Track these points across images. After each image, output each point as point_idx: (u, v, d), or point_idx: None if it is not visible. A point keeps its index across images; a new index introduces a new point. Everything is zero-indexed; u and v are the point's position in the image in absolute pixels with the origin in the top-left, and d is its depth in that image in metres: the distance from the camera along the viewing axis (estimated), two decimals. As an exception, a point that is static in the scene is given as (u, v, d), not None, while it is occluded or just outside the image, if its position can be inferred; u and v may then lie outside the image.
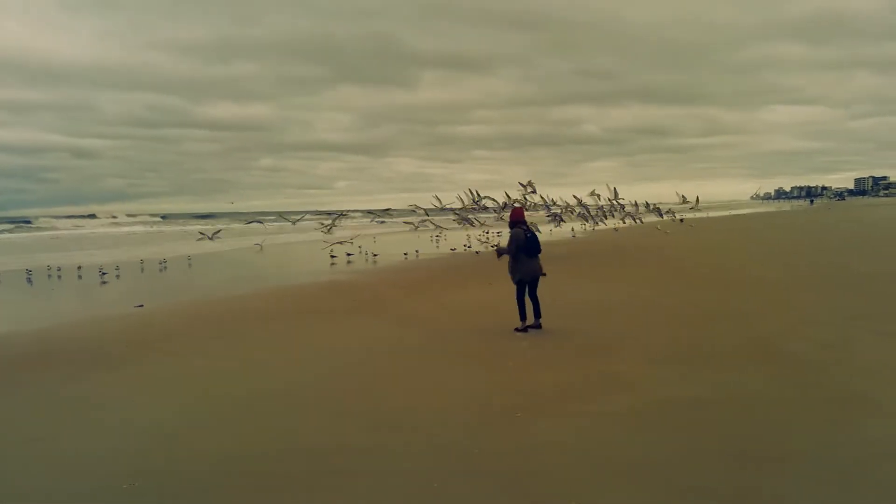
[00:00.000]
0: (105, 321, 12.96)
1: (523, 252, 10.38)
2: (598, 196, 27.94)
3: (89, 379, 8.49)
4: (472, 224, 27.44)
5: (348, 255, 26.14)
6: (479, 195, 25.40)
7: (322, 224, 26.16)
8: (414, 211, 27.44)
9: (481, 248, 28.86)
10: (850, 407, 6.38)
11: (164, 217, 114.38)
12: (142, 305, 14.68)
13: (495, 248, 11.36)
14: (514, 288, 10.52)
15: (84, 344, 10.70)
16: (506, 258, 10.62)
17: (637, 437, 5.76)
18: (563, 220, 29.43)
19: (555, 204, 27.88)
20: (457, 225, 28.55)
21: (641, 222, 31.40)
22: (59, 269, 22.95)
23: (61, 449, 6.07)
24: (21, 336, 11.68)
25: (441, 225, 29.59)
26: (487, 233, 33.88)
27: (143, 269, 23.85)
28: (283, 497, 4.88)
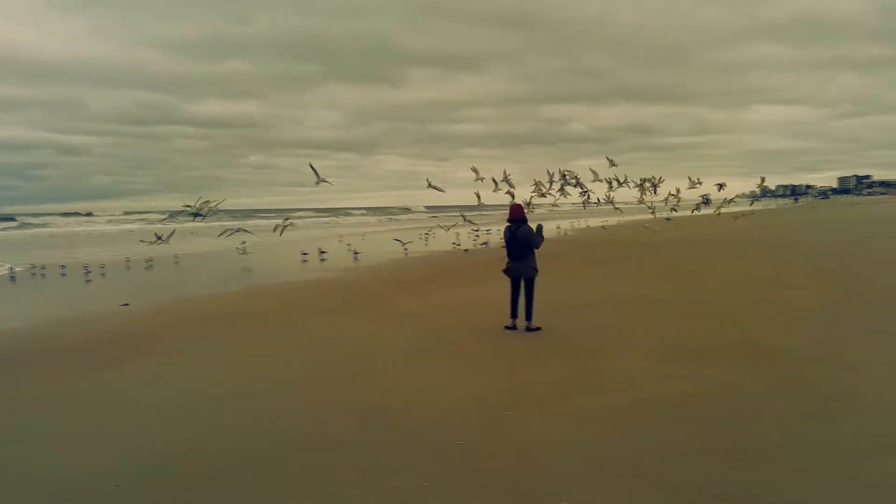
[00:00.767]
0: (89, 320, 12.81)
1: (507, 251, 10.42)
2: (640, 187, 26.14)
3: (72, 379, 8.38)
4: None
5: (321, 252, 26.05)
6: (568, 177, 20.09)
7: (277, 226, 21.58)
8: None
9: (471, 247, 28.84)
10: (836, 403, 6.44)
11: (171, 215, 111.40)
12: (127, 304, 14.54)
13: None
14: (507, 284, 10.53)
15: (67, 343, 10.55)
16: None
17: (627, 435, 5.78)
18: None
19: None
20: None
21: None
22: (43, 268, 22.71)
23: (45, 450, 5.99)
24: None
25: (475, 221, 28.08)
26: (478, 230, 33.86)
27: (128, 268, 23.63)
28: (275, 496, 4.85)
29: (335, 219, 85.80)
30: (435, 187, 19.08)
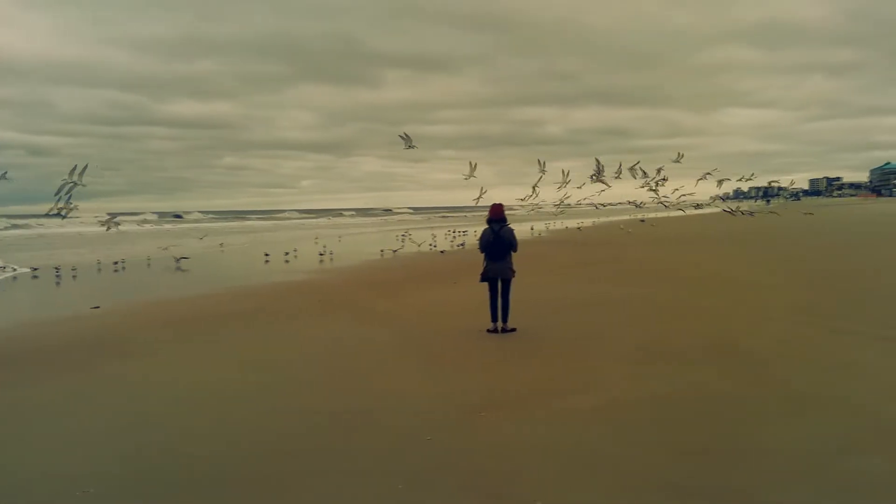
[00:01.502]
0: (58, 323, 12.59)
1: (486, 253, 10.31)
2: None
3: (40, 384, 8.21)
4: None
5: (286, 253, 26.05)
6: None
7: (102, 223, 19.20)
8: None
9: (447, 248, 28.86)
10: (804, 403, 6.53)
11: (178, 216, 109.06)
12: (98, 307, 14.31)
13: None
14: (485, 288, 10.41)
15: (34, 347, 10.35)
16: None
17: (602, 435, 5.80)
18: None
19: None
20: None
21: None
22: (14, 269, 22.26)
23: (8, 456, 5.86)
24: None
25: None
26: (454, 231, 33.92)
27: (99, 270, 23.26)
28: (247, 498, 4.79)
29: (315, 220, 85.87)
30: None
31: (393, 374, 8.11)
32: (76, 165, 11.84)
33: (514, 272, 10.32)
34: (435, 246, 29.76)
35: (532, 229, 38.39)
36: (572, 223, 46.33)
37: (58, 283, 19.65)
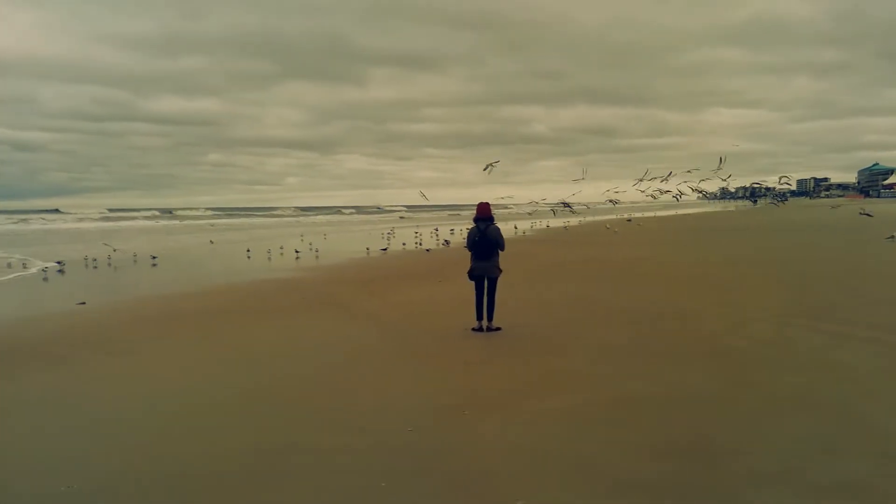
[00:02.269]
0: (44, 319, 12.53)
1: (472, 251, 10.37)
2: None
3: (23, 378, 8.19)
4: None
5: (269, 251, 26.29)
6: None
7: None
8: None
9: (433, 246, 28.88)
10: (787, 403, 6.58)
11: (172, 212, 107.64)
12: (84, 303, 14.24)
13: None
14: (471, 286, 10.47)
15: (18, 342, 10.30)
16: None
17: (583, 435, 5.85)
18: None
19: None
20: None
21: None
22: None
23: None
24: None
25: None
26: (437, 229, 33.97)
27: (87, 266, 23.10)
28: (228, 497, 4.80)
29: (298, 219, 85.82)
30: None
31: (377, 373, 8.11)
32: None
33: (500, 270, 10.36)
34: (421, 244, 29.82)
35: (516, 228, 38.40)
36: (557, 223, 46.43)
37: (45, 280, 19.54)
